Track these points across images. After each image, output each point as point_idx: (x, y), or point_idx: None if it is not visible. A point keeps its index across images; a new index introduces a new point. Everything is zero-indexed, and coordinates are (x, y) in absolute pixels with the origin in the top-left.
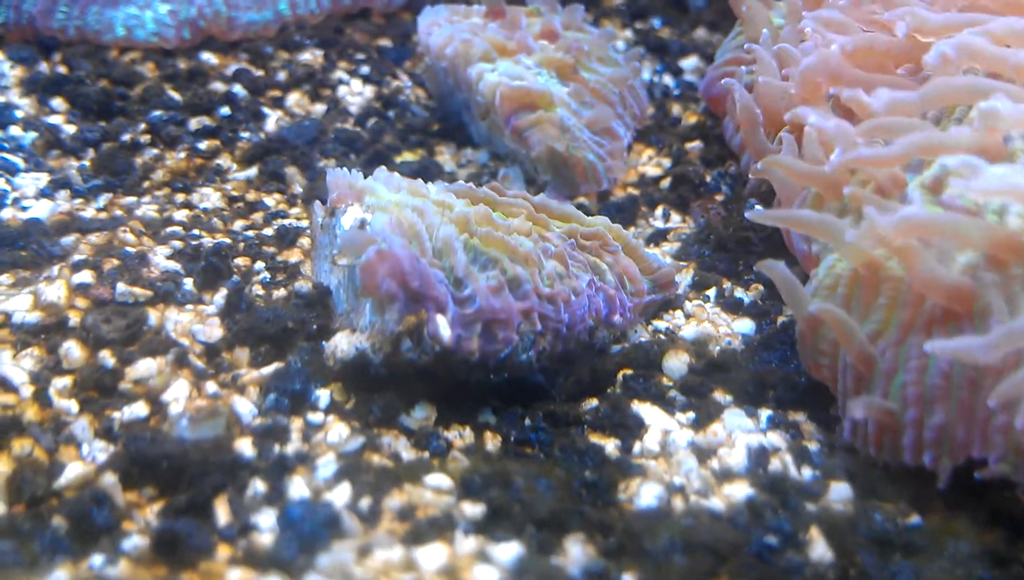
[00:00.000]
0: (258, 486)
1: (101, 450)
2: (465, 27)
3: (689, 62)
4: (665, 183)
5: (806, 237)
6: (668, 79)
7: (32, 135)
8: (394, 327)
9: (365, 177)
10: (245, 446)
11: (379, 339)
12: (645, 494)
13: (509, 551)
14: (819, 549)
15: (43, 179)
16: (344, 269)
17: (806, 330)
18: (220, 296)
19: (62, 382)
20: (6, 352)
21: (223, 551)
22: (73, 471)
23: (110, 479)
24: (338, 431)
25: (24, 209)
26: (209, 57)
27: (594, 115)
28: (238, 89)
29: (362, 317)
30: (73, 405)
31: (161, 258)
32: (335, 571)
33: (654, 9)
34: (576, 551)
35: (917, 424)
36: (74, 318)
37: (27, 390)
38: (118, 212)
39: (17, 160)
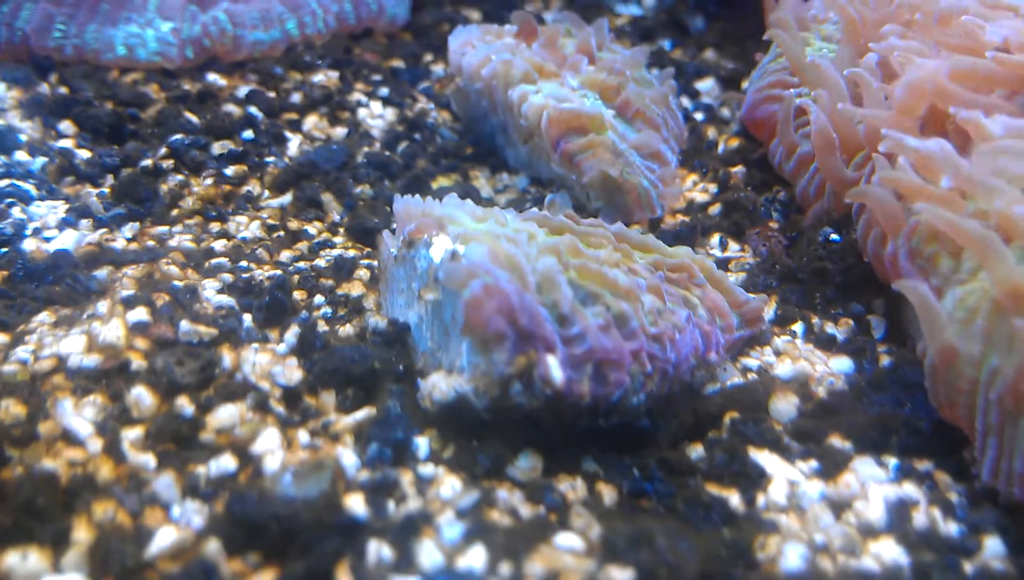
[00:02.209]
0: (383, 551)
1: (195, 511)
2: (501, 47)
3: (705, 84)
4: (714, 209)
5: (923, 269)
6: (686, 101)
7: (41, 160)
8: (504, 369)
9: None
10: (356, 503)
11: (484, 382)
12: (790, 555)
13: None
14: None
15: (60, 207)
16: (428, 304)
17: (940, 364)
18: (291, 334)
19: (133, 433)
20: (67, 400)
21: None
22: (166, 537)
23: (214, 546)
24: (450, 485)
25: (47, 240)
26: (216, 78)
27: (642, 138)
28: (255, 112)
29: (458, 357)
30: (151, 460)
31: (211, 292)
32: None
33: (658, 31)
34: None
35: None
36: (136, 361)
37: (95, 443)
38: (150, 242)
39: (29, 187)
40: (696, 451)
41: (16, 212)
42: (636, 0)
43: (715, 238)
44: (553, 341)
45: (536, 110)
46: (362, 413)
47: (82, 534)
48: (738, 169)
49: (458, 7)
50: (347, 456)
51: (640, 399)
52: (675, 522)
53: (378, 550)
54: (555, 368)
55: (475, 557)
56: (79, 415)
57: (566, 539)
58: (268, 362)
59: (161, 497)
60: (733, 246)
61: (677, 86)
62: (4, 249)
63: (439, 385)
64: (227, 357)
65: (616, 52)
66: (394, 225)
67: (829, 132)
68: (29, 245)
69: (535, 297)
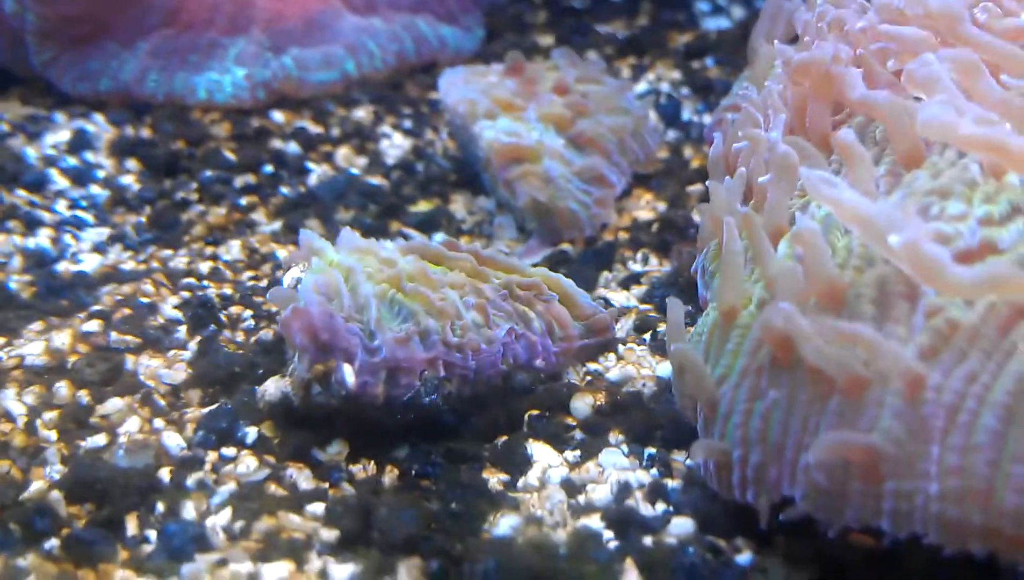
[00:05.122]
0: (160, 507)
1: (58, 471)
2: (476, 87)
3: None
4: (656, 227)
5: (705, 284)
6: (708, 119)
7: (106, 193)
8: (304, 374)
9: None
10: (164, 474)
11: (295, 384)
12: (503, 525)
13: (345, 571)
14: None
15: (104, 234)
16: None
17: (676, 372)
18: (195, 343)
19: (49, 415)
20: (12, 389)
21: (123, 556)
22: (35, 487)
23: (55, 495)
24: (247, 463)
25: (78, 262)
26: (279, 116)
27: (586, 163)
28: (294, 147)
29: (292, 364)
30: (53, 434)
31: (169, 308)
32: (192, 578)
33: (712, 50)
34: (404, 573)
35: (742, 463)
36: (72, 362)
37: (22, 421)
38: (154, 264)
39: (88, 216)
40: (500, 442)
41: (68, 238)
42: (725, 13)
43: (640, 254)
44: (353, 352)
45: (488, 143)
46: (211, 408)
47: None
48: (696, 188)
49: (533, 33)
50: (172, 439)
51: (433, 399)
52: (419, 497)
53: (160, 507)
54: (349, 374)
55: (221, 517)
56: (18, 400)
57: (316, 508)
58: (160, 365)
59: (48, 460)
60: (653, 261)
61: (703, 104)
62: (45, 268)
63: (269, 388)
64: (129, 360)
65: (601, 83)
66: None
67: (720, 158)
68: (61, 266)
69: (356, 316)
